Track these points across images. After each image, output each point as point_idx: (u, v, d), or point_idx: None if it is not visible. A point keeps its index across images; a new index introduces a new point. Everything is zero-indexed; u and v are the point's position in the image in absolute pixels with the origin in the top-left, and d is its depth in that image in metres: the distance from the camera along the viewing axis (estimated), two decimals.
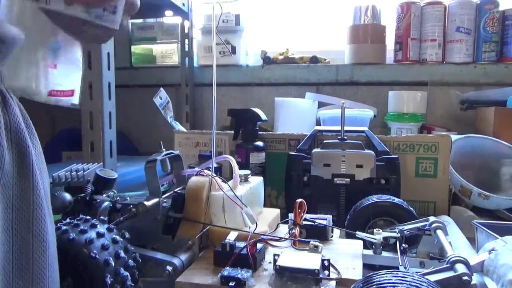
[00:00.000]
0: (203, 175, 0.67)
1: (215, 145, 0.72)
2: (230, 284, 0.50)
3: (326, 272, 0.52)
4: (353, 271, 0.55)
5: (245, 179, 0.72)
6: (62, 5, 0.35)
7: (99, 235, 0.50)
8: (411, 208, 0.73)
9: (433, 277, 0.49)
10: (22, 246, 0.35)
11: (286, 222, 0.68)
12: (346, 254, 0.60)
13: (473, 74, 1.44)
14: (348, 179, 0.86)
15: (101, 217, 0.63)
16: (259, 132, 0.99)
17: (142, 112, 1.70)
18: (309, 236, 0.64)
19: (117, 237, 0.52)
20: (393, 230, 0.66)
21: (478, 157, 1.09)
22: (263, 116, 0.98)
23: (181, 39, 1.61)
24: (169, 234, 0.63)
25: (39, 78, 0.37)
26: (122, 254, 0.50)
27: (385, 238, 0.64)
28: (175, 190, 0.70)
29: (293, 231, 0.65)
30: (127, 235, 0.54)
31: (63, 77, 0.39)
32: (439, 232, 0.62)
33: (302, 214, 0.67)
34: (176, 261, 0.56)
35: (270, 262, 0.56)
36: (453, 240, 0.70)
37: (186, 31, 1.59)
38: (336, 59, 1.59)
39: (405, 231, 0.65)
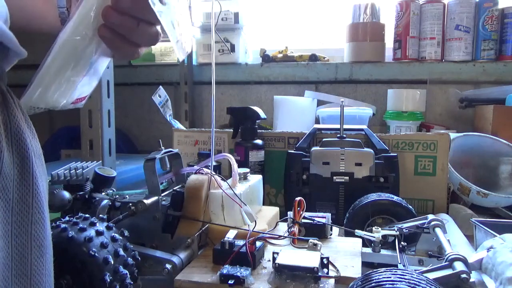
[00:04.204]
0: (202, 173, 0.67)
1: (214, 143, 0.72)
2: (229, 282, 0.50)
3: (325, 270, 0.52)
4: (352, 269, 0.55)
5: (244, 177, 0.72)
6: None
7: (98, 233, 0.50)
8: (410, 206, 0.73)
9: (432, 275, 0.49)
10: (21, 251, 0.34)
11: (285, 220, 0.68)
12: (345, 252, 0.61)
13: (472, 72, 1.44)
14: (347, 177, 0.86)
15: (100, 215, 0.63)
16: (258, 130, 0.99)
17: (141, 110, 1.70)
18: (308, 234, 0.64)
19: (116, 235, 0.52)
20: (392, 228, 0.66)
21: (477, 155, 1.09)
22: (262, 114, 0.98)
23: None
24: (168, 232, 0.63)
25: (70, 93, 0.40)
26: (121, 252, 0.50)
27: (384, 236, 0.64)
28: (174, 188, 0.70)
29: (292, 229, 0.65)
30: (126, 233, 0.54)
31: (85, 86, 0.42)
32: (437, 230, 0.62)
33: (301, 212, 0.67)
34: (175, 259, 0.56)
35: (269, 260, 0.56)
36: (452, 238, 0.70)
37: None
38: (335, 57, 1.58)
39: (404, 229, 0.65)
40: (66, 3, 0.42)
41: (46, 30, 0.45)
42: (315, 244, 0.58)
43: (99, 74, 0.43)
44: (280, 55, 1.58)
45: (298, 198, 0.67)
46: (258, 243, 0.57)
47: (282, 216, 0.73)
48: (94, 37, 0.39)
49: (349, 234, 0.68)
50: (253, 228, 0.60)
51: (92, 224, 0.51)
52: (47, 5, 0.43)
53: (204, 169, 0.68)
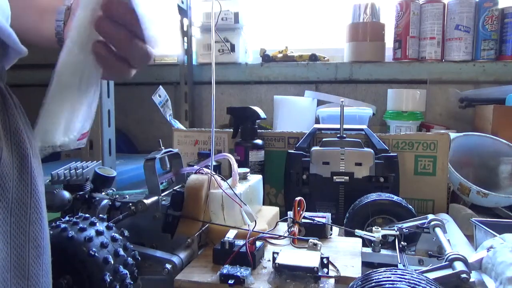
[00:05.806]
0: (202, 173, 0.67)
1: (214, 143, 0.72)
2: (229, 282, 0.50)
3: (325, 270, 0.52)
4: (352, 269, 0.55)
5: (244, 177, 0.72)
6: None
7: (98, 233, 0.50)
8: (410, 206, 0.73)
9: (432, 275, 0.49)
10: (19, 252, 0.34)
11: (285, 220, 0.68)
12: (345, 252, 0.61)
13: (472, 72, 1.44)
14: (347, 177, 0.86)
15: (100, 215, 0.63)
16: (258, 130, 0.99)
17: (141, 110, 1.70)
18: (308, 234, 0.64)
19: (116, 235, 0.52)
20: (392, 228, 0.66)
21: (477, 155, 1.09)
22: (262, 114, 0.98)
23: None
24: (168, 232, 0.63)
25: (74, 125, 0.40)
26: (121, 252, 0.50)
27: (384, 236, 0.64)
28: (174, 188, 0.70)
29: (292, 229, 0.65)
30: (126, 233, 0.54)
31: (87, 119, 0.41)
32: (437, 230, 0.62)
33: (301, 212, 0.67)
34: (175, 259, 0.56)
35: (269, 260, 0.56)
36: (452, 238, 0.70)
37: (185, 29, 1.59)
38: (335, 57, 1.59)
39: (404, 229, 0.65)
40: (64, 16, 0.41)
41: (45, 44, 0.45)
42: (315, 244, 0.58)
43: (94, 107, 0.43)
44: (280, 55, 1.58)
45: (298, 198, 0.67)
46: (258, 243, 0.57)
47: (282, 216, 0.73)
48: (90, 55, 0.38)
49: (349, 234, 0.68)
50: (253, 228, 0.60)
51: (92, 224, 0.51)
52: (42, 19, 0.43)
53: (204, 169, 0.68)
